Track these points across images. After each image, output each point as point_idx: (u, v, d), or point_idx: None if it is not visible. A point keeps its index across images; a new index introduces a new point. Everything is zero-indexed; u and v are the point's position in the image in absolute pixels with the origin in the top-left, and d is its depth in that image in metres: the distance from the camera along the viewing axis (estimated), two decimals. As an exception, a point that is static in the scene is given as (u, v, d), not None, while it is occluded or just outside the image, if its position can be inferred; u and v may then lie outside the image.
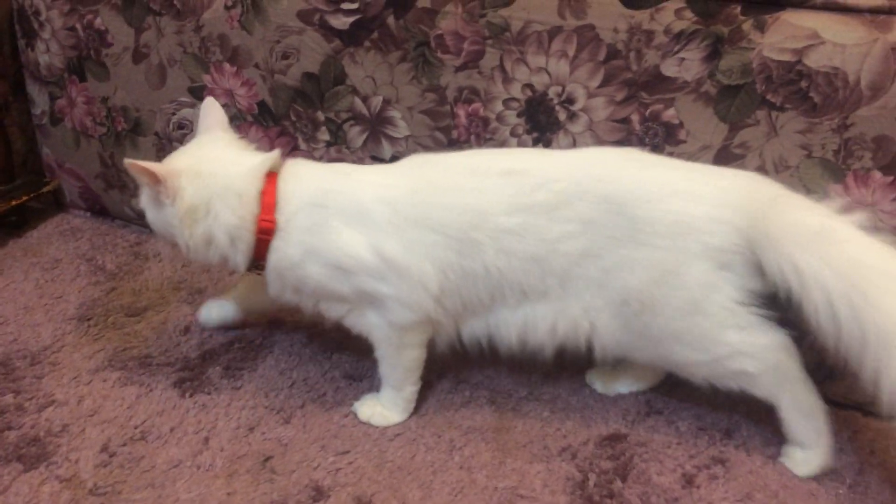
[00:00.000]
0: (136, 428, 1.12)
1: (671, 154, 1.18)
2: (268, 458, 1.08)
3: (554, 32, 1.19)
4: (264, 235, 1.10)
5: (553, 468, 1.08)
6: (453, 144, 1.33)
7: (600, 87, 1.20)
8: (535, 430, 1.15)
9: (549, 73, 1.22)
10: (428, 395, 1.21)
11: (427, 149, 1.33)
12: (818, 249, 0.97)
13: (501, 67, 1.25)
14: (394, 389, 1.17)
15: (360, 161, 1.39)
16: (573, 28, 1.18)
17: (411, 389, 1.17)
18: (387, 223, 1.08)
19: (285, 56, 1.38)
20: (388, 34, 1.30)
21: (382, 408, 1.17)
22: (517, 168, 1.08)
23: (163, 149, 1.56)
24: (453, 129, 1.32)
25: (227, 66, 1.44)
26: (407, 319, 1.11)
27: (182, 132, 1.54)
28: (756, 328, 1.04)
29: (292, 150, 1.45)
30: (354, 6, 1.30)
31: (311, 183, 1.13)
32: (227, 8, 1.40)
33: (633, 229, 1.03)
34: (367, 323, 1.14)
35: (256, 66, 1.42)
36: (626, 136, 1.21)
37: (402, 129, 1.35)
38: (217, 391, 1.20)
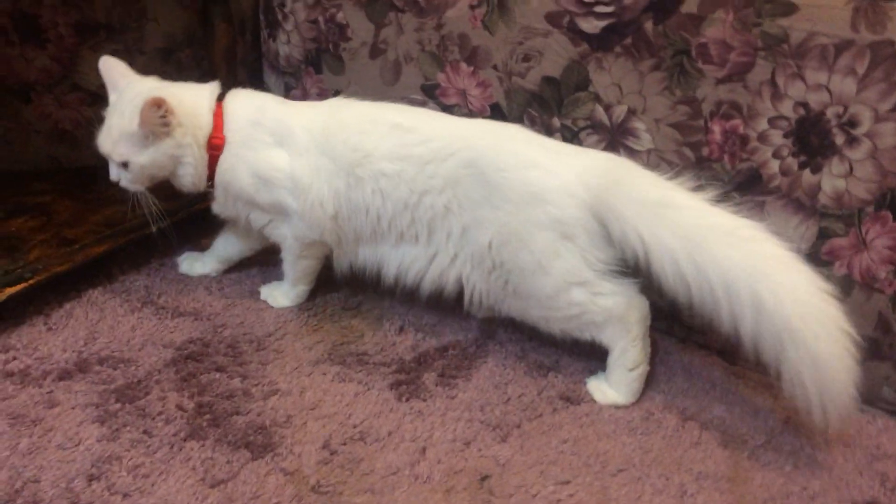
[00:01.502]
0: (354, 427, 1.12)
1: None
2: (485, 477, 1.04)
3: (843, 47, 1.07)
4: (214, 151, 1.27)
5: (800, 532, 0.98)
6: (703, 162, 1.23)
7: (893, 110, 1.06)
8: (776, 485, 1.05)
9: (829, 92, 1.10)
10: (651, 428, 1.13)
11: (672, 165, 1.25)
12: (659, 217, 1.08)
13: (772, 82, 1.14)
14: (290, 284, 1.39)
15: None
16: (867, 43, 1.06)
17: (303, 288, 1.40)
18: (304, 146, 1.26)
19: (526, 58, 1.34)
20: (643, 40, 1.22)
21: (278, 293, 1.40)
22: (405, 124, 1.24)
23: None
24: (704, 146, 1.22)
25: (463, 65, 1.42)
26: (307, 235, 1.30)
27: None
28: (604, 290, 1.15)
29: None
30: (609, 10, 1.23)
31: (252, 105, 1.30)
32: (471, 7, 1.37)
33: (488, 193, 1.17)
34: (280, 234, 1.34)
35: (494, 67, 1.38)
36: (915, 168, 1.07)
37: (644, 142, 1.27)
38: (432, 398, 1.18)
